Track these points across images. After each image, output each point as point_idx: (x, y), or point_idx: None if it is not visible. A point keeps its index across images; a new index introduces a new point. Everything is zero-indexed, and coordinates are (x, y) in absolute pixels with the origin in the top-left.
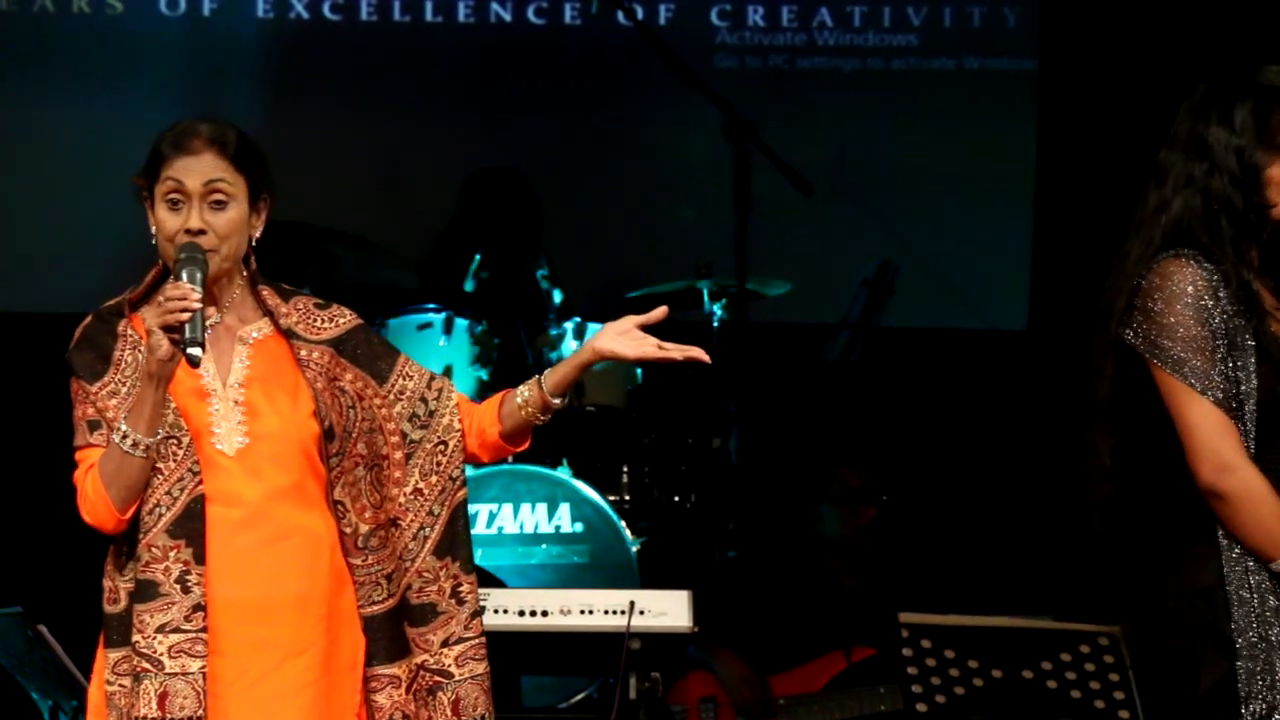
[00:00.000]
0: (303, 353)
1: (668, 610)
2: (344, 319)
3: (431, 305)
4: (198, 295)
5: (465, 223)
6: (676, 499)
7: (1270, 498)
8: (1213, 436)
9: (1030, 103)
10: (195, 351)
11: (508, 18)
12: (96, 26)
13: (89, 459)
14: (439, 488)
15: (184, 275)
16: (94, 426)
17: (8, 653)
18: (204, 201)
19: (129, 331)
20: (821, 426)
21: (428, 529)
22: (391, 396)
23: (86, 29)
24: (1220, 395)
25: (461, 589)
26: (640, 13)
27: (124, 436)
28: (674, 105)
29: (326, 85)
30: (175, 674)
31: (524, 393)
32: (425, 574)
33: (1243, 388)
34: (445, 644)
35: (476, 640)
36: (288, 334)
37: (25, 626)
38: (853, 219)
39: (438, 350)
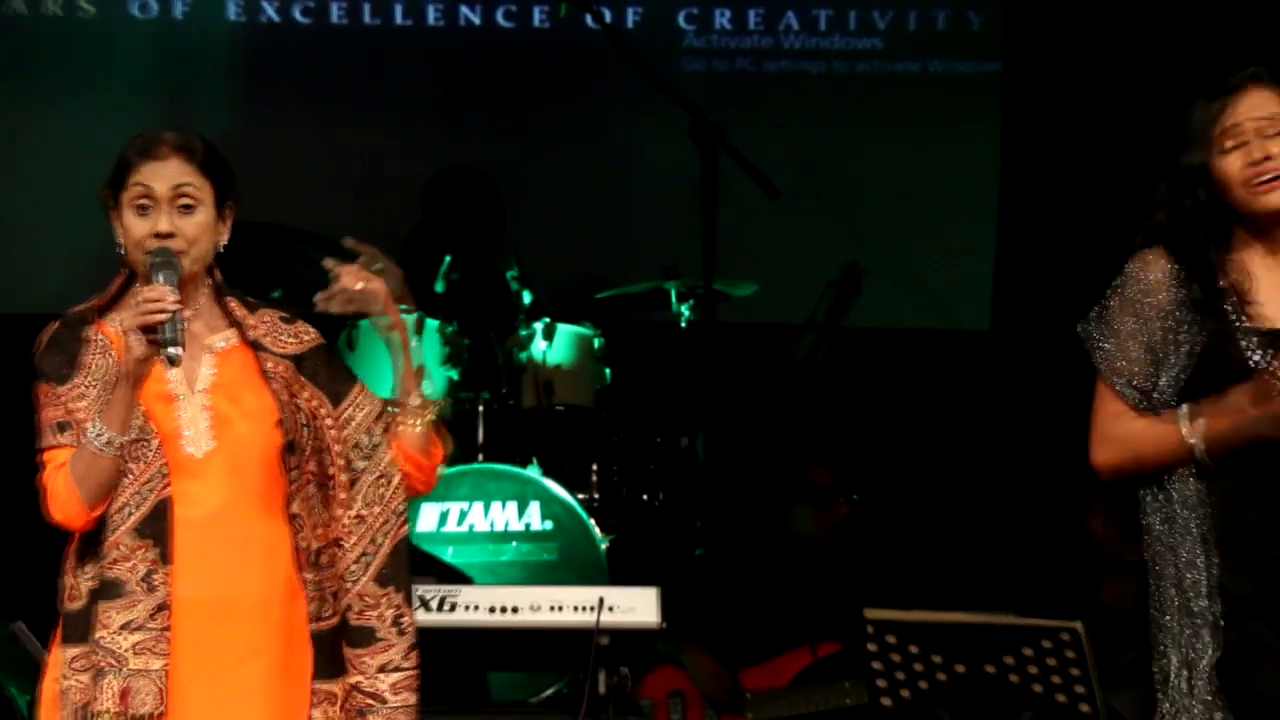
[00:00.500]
0: (268, 365)
1: (636, 607)
2: (308, 336)
3: (402, 306)
4: (175, 297)
5: (431, 223)
6: (645, 497)
7: (1147, 427)
8: (1105, 420)
9: (994, 105)
10: (174, 351)
11: (477, 21)
12: (68, 29)
13: (57, 459)
14: (382, 519)
15: (160, 277)
16: (63, 428)
17: None
18: (172, 206)
19: (97, 337)
20: (789, 426)
21: (370, 555)
22: (341, 421)
23: (59, 31)
24: (1127, 385)
25: (403, 620)
26: (608, 16)
27: (98, 434)
28: (641, 108)
29: (297, 88)
30: (138, 671)
31: (392, 408)
32: (366, 598)
33: (1162, 380)
34: (382, 670)
35: (413, 671)
36: (254, 345)
37: (2, 623)
38: (819, 221)
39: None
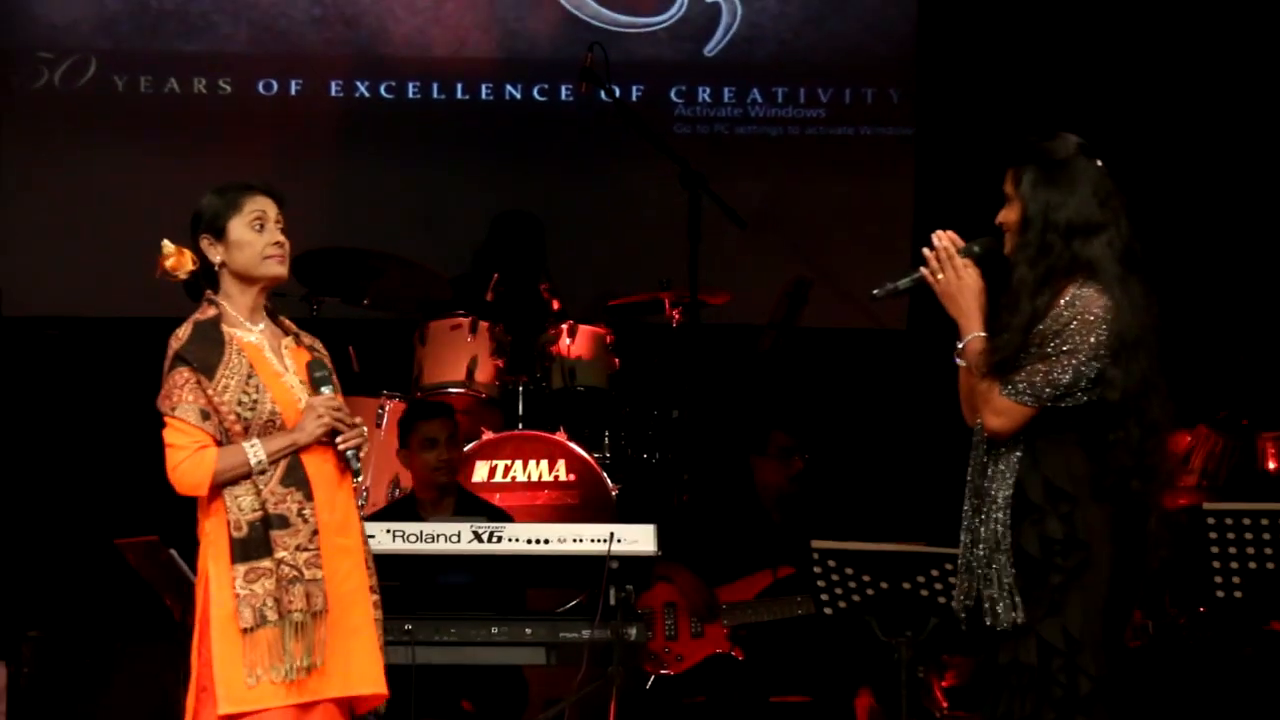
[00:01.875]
0: (316, 360)
1: (638, 539)
2: (320, 345)
3: (461, 311)
4: (362, 427)
5: (488, 250)
6: (645, 456)
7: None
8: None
9: (909, 160)
10: (358, 466)
11: (519, 96)
12: (212, 104)
13: (194, 436)
14: None
15: (325, 390)
16: (205, 415)
17: (147, 570)
18: (277, 225)
19: (231, 340)
20: (754, 402)
21: None
22: None
23: (205, 106)
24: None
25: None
26: (618, 92)
27: (258, 461)
28: (643, 161)
29: (382, 147)
30: (310, 580)
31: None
32: (365, 530)
33: None
34: (372, 589)
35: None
36: (309, 349)
37: (160, 551)
38: (777, 246)
39: (466, 345)
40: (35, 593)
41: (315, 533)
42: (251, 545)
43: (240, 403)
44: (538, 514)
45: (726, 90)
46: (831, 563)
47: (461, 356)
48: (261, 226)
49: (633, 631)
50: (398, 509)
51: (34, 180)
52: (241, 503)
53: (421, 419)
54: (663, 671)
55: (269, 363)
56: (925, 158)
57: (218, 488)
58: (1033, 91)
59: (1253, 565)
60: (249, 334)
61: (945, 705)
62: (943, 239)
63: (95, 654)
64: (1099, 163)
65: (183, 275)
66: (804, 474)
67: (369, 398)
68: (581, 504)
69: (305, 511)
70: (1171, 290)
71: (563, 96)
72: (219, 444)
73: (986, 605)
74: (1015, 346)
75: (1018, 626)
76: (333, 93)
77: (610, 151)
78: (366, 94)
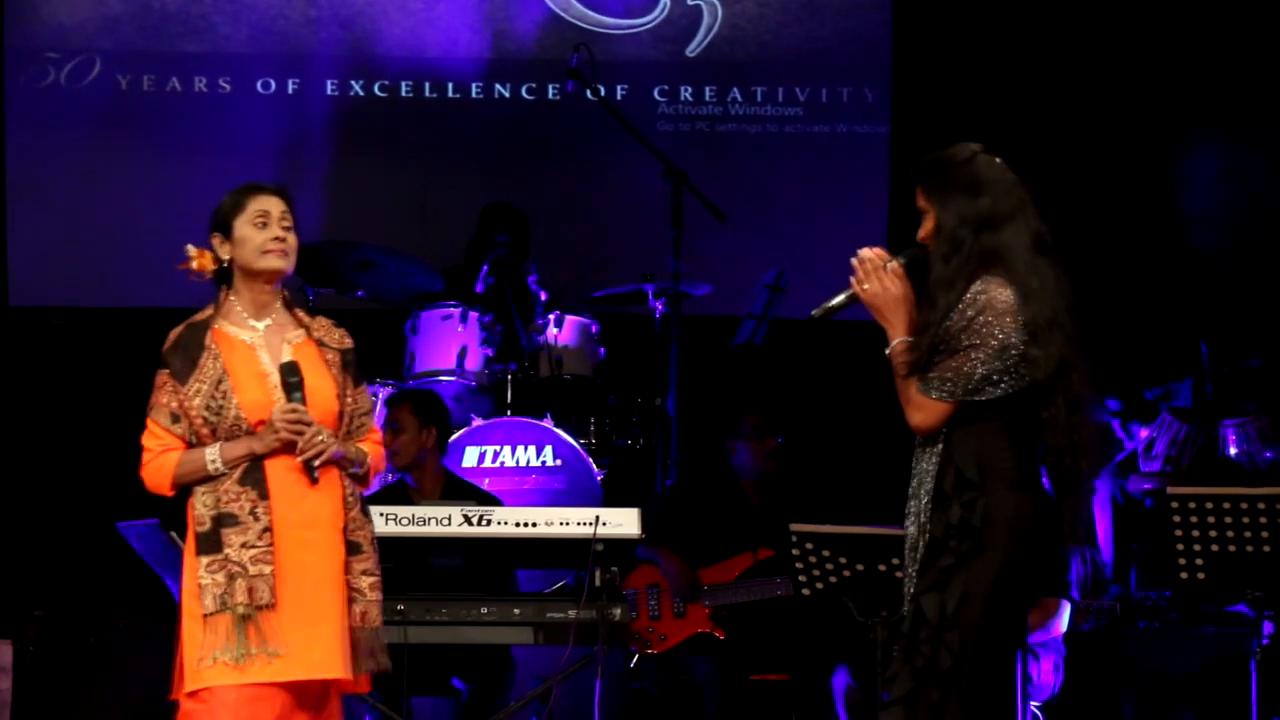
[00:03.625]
0: (328, 356)
1: (623, 523)
2: (348, 340)
3: (452, 302)
4: (321, 437)
5: (478, 243)
6: (629, 442)
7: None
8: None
9: (883, 156)
10: (315, 476)
11: (507, 94)
12: (212, 101)
13: (164, 440)
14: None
15: (295, 398)
16: (175, 419)
17: (149, 552)
18: (280, 223)
19: (212, 345)
20: (734, 388)
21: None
22: (351, 400)
23: (205, 104)
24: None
25: (374, 541)
26: (603, 90)
27: (214, 463)
28: (627, 157)
29: (376, 142)
30: (255, 575)
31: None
32: (355, 520)
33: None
34: (364, 573)
35: (379, 576)
36: (319, 342)
37: (160, 533)
38: (756, 239)
39: (456, 334)
40: (40, 573)
41: (266, 530)
42: (208, 540)
43: (208, 408)
44: (526, 498)
45: (708, 89)
46: (809, 545)
47: (452, 345)
48: (264, 224)
49: (617, 612)
50: (389, 494)
51: (40, 175)
52: (204, 500)
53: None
54: (647, 651)
55: (257, 362)
56: (898, 155)
57: (180, 488)
58: (1002, 92)
59: (1215, 548)
60: (246, 332)
61: None
62: (868, 252)
63: (98, 632)
64: (998, 160)
65: (208, 275)
66: (780, 453)
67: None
68: (568, 488)
69: (258, 510)
70: (1136, 279)
71: (550, 95)
72: (190, 445)
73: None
74: (927, 345)
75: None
76: (328, 91)
77: (596, 148)
78: (361, 93)
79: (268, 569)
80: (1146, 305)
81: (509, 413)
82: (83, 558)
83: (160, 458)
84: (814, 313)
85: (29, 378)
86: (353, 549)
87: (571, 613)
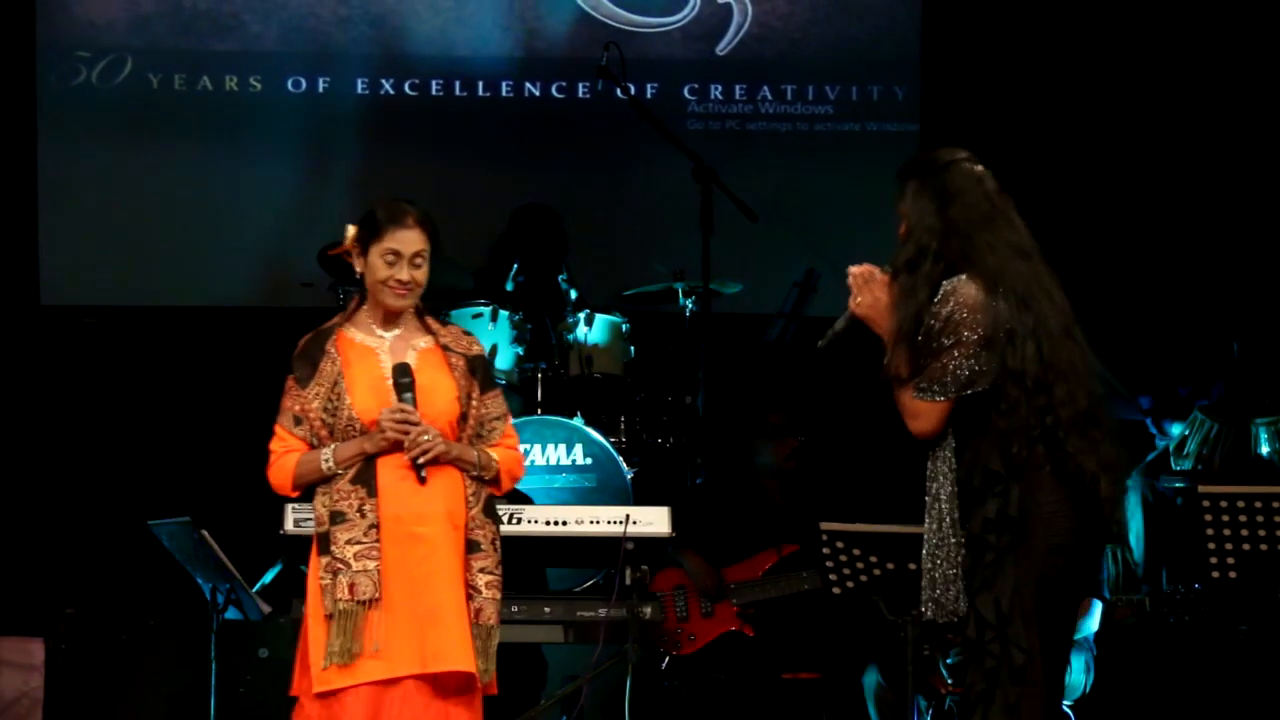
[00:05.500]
0: (452, 360)
1: (653, 521)
2: (476, 347)
3: (482, 301)
4: (427, 437)
5: (508, 241)
6: (659, 441)
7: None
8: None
9: (914, 153)
10: (423, 475)
11: (538, 93)
12: (243, 100)
13: (287, 443)
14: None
15: (406, 398)
16: (298, 421)
17: (180, 550)
18: (411, 262)
19: (332, 350)
20: (758, 387)
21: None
22: (481, 404)
23: (236, 102)
24: None
25: (497, 542)
26: (633, 89)
27: (328, 463)
28: (657, 156)
29: (406, 140)
30: (360, 571)
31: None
32: (475, 519)
33: None
34: (482, 571)
35: (499, 576)
36: (444, 348)
37: (192, 531)
38: (786, 237)
39: (487, 333)
40: (72, 572)
41: (373, 527)
42: (324, 540)
43: (325, 409)
44: (556, 496)
45: (738, 88)
46: (840, 544)
47: (482, 344)
48: (393, 262)
49: (648, 610)
50: None
51: (72, 174)
52: (322, 500)
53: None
54: (676, 652)
55: (377, 366)
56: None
57: (302, 489)
58: (1033, 90)
59: (1246, 546)
60: (372, 339)
61: (950, 682)
62: (856, 268)
63: (129, 631)
64: (980, 168)
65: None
66: (801, 453)
67: None
68: (598, 487)
69: (365, 508)
70: (1168, 279)
71: (580, 94)
72: (312, 447)
73: (938, 594)
74: (908, 352)
75: (968, 605)
76: (359, 90)
77: (626, 147)
78: (391, 91)
79: (372, 564)
80: (1178, 302)
81: (539, 411)
82: (114, 556)
83: (282, 459)
84: (820, 344)
85: (61, 376)
86: (471, 547)
87: (602, 611)
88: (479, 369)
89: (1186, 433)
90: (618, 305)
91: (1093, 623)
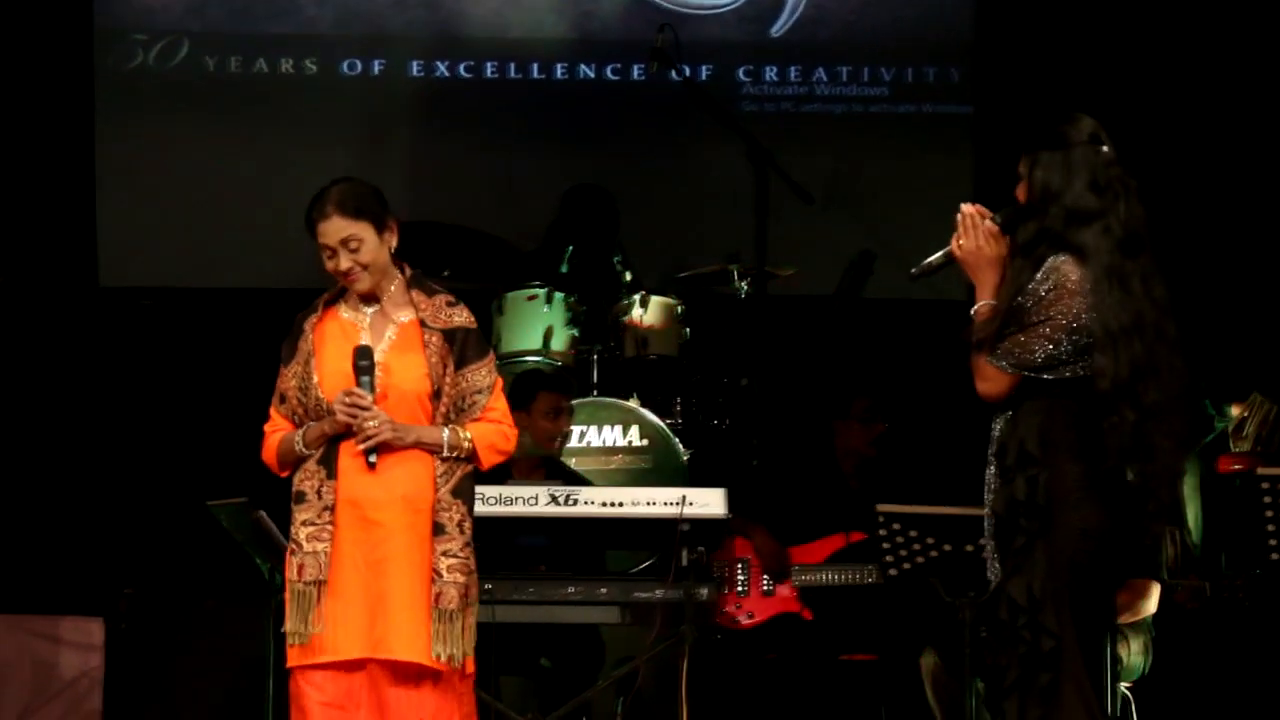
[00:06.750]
0: (426, 335)
1: (709, 502)
2: (459, 318)
3: (537, 282)
4: (373, 424)
5: (562, 223)
6: (715, 422)
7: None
8: None
9: (968, 136)
10: (372, 460)
11: (592, 75)
12: (298, 82)
13: (273, 420)
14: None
15: (363, 381)
16: (282, 399)
17: (237, 531)
18: (345, 249)
19: (308, 328)
20: (831, 369)
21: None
22: (457, 378)
23: (291, 85)
24: None
25: (464, 523)
26: (687, 71)
27: (300, 445)
28: (711, 138)
29: (461, 124)
30: (309, 553)
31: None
32: (442, 500)
33: None
34: (445, 554)
35: (466, 558)
36: (421, 323)
37: (249, 512)
38: (841, 219)
39: (542, 315)
40: (131, 552)
41: (327, 509)
42: (290, 520)
43: (300, 387)
44: (612, 478)
45: (792, 69)
46: (896, 526)
47: (537, 326)
48: (331, 255)
49: (704, 591)
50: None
51: (129, 156)
52: (294, 479)
53: (547, 389)
54: (734, 625)
55: (349, 347)
56: (984, 135)
57: (288, 467)
58: (1089, 72)
59: None
60: (357, 314)
61: None
62: (969, 209)
63: (187, 611)
64: (1105, 149)
65: None
66: (884, 439)
67: None
68: (654, 468)
69: (324, 490)
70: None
71: (634, 76)
72: (297, 426)
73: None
74: (1000, 318)
75: (996, 585)
76: (413, 73)
77: (680, 129)
78: (446, 74)
79: (321, 547)
80: (1239, 284)
81: (595, 393)
82: (173, 537)
83: (269, 439)
84: (913, 271)
85: (119, 357)
86: (436, 530)
87: (658, 593)
88: (458, 341)
89: (1245, 414)
90: (673, 287)
91: (1152, 604)
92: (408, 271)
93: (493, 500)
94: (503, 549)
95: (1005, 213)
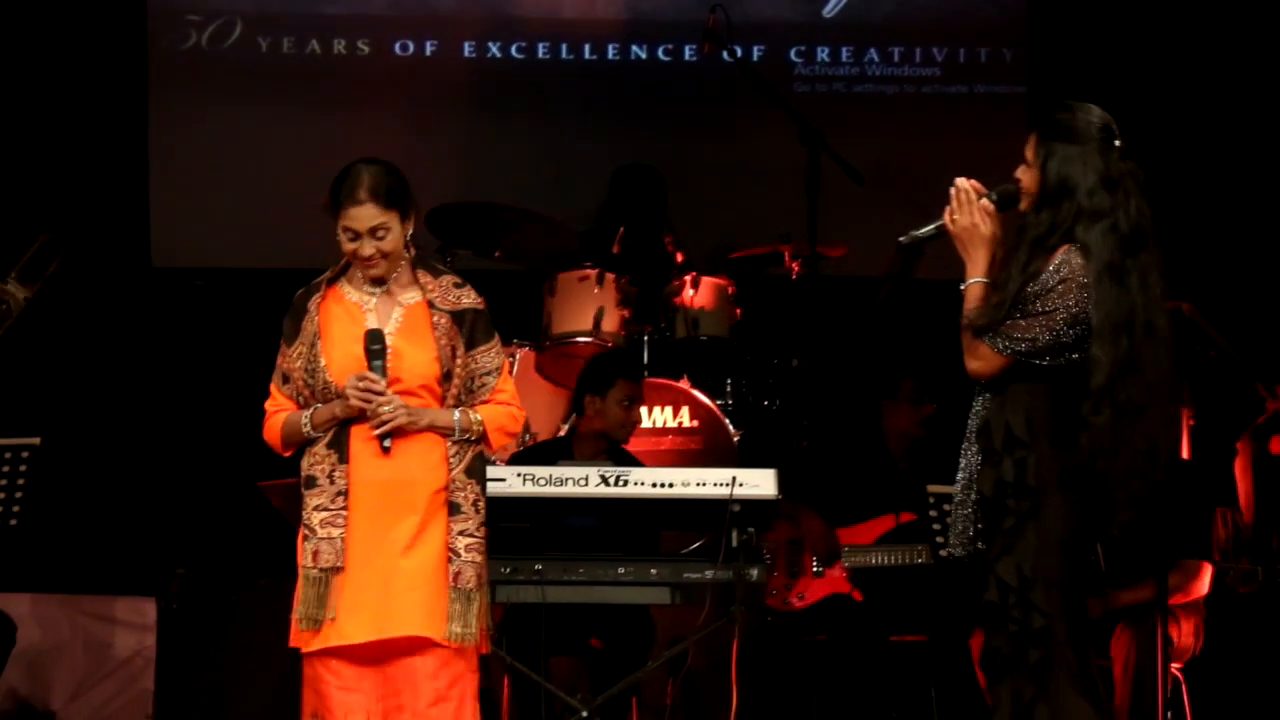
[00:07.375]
0: (435, 317)
1: (759, 483)
2: (467, 299)
3: (589, 263)
4: (387, 409)
5: (613, 204)
6: (765, 403)
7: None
8: None
9: (1021, 116)
10: (387, 444)
11: (644, 56)
12: (351, 63)
13: (276, 400)
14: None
15: (375, 365)
16: (285, 379)
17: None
18: (372, 236)
19: (313, 308)
20: (879, 350)
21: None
22: (467, 359)
23: (344, 66)
24: None
25: (479, 503)
26: (739, 52)
27: (306, 426)
28: (763, 119)
29: (513, 105)
30: (323, 538)
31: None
32: (456, 480)
33: None
34: (462, 534)
35: (482, 538)
36: (430, 304)
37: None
38: (892, 200)
39: (593, 295)
40: (183, 532)
41: (341, 494)
42: (301, 504)
43: (306, 369)
44: (662, 459)
45: (844, 50)
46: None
47: (589, 307)
48: (354, 238)
49: (754, 572)
50: (551, 447)
51: (181, 137)
52: (303, 463)
53: (626, 378)
54: (785, 606)
55: (360, 326)
56: (1037, 116)
57: (291, 448)
58: (1141, 53)
59: None
60: (362, 295)
61: None
62: (964, 183)
63: (239, 590)
64: (1117, 143)
65: None
66: (932, 420)
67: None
68: (705, 449)
69: (336, 474)
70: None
71: (686, 57)
72: (300, 406)
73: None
74: (1005, 305)
75: (985, 566)
76: (466, 54)
77: (732, 109)
78: (498, 55)
79: (336, 532)
80: None
81: (646, 374)
82: (225, 517)
83: (271, 419)
84: (901, 239)
85: (171, 338)
86: (452, 509)
87: (709, 573)
88: (467, 323)
89: None
90: (724, 268)
91: (1203, 585)
92: (412, 251)
93: (543, 481)
94: (553, 529)
95: (1002, 190)
